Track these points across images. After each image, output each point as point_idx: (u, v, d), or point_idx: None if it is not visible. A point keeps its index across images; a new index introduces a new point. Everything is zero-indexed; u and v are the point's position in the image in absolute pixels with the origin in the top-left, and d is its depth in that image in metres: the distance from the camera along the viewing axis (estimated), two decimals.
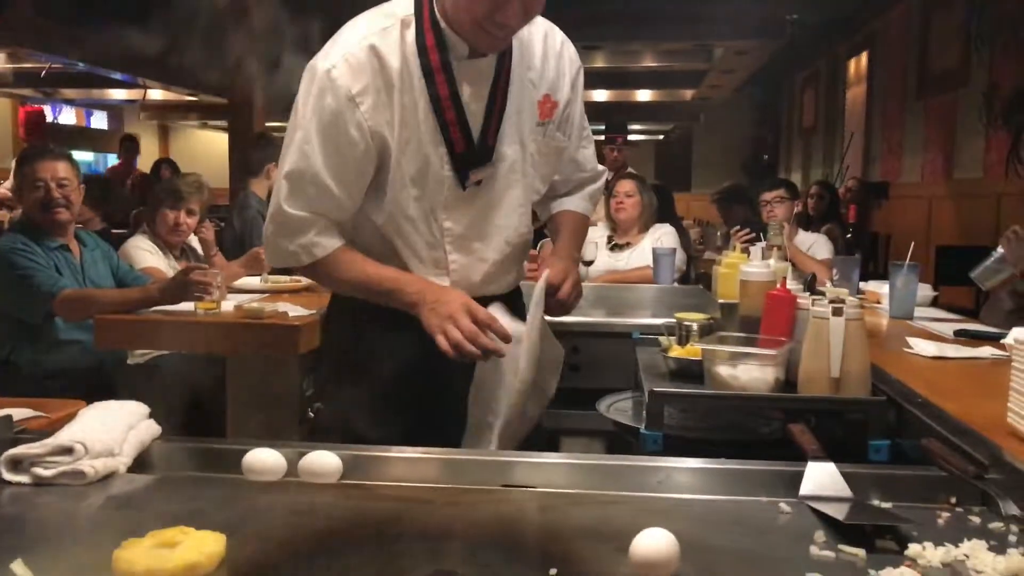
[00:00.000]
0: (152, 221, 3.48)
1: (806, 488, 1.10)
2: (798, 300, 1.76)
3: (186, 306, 2.70)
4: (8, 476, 1.08)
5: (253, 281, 3.45)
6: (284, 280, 3.47)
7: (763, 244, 2.31)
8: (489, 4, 1.38)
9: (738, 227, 4.15)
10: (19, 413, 1.32)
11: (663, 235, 4.07)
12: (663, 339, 2.01)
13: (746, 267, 1.94)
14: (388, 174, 1.51)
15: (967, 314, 3.19)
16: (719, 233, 5.44)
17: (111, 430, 1.14)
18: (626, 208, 4.05)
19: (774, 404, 1.77)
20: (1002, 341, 2.06)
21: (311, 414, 2.70)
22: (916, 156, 6.64)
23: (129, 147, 8.36)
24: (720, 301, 2.09)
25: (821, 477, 1.11)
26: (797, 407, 1.73)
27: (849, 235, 3.29)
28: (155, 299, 2.70)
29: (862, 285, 3.24)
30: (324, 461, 1.15)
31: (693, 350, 1.85)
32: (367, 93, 1.45)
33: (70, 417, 1.20)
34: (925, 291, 2.96)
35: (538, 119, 1.60)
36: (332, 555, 0.92)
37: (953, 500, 1.10)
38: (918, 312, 2.73)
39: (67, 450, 1.09)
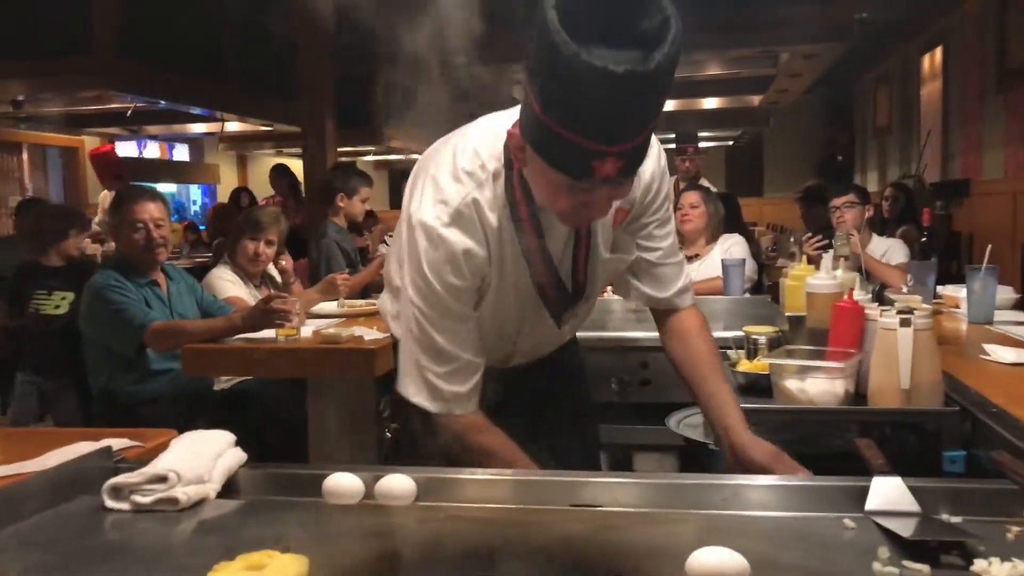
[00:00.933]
0: (233, 252, 3.63)
1: (872, 503, 1.10)
2: (866, 311, 1.76)
3: (267, 333, 2.82)
4: (110, 503, 1.16)
5: (330, 306, 3.56)
6: (360, 304, 3.57)
7: (833, 253, 2.29)
8: (571, 203, 1.28)
9: (810, 235, 4.09)
10: (117, 443, 1.41)
11: (732, 245, 4.04)
12: (732, 353, 2.02)
13: (812, 279, 1.94)
14: (484, 309, 1.50)
15: None
16: (792, 239, 5.37)
17: (201, 458, 1.22)
18: (692, 219, 4.03)
19: (843, 417, 1.76)
20: None
21: (388, 434, 2.78)
22: (997, 151, 6.42)
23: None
24: (788, 314, 2.08)
25: (887, 492, 1.12)
26: (867, 420, 1.72)
27: (924, 238, 3.20)
28: (238, 327, 2.83)
29: (940, 289, 3.16)
30: (399, 484, 1.20)
31: (761, 364, 1.86)
32: (477, 248, 1.42)
33: (164, 446, 1.29)
34: (1006, 294, 2.88)
35: (612, 229, 1.55)
36: (409, 575, 0.97)
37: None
38: (999, 316, 2.66)
39: (162, 478, 1.17)
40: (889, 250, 3.91)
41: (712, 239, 4.09)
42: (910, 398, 1.58)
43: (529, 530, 1.10)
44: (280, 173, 7.61)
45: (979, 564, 0.92)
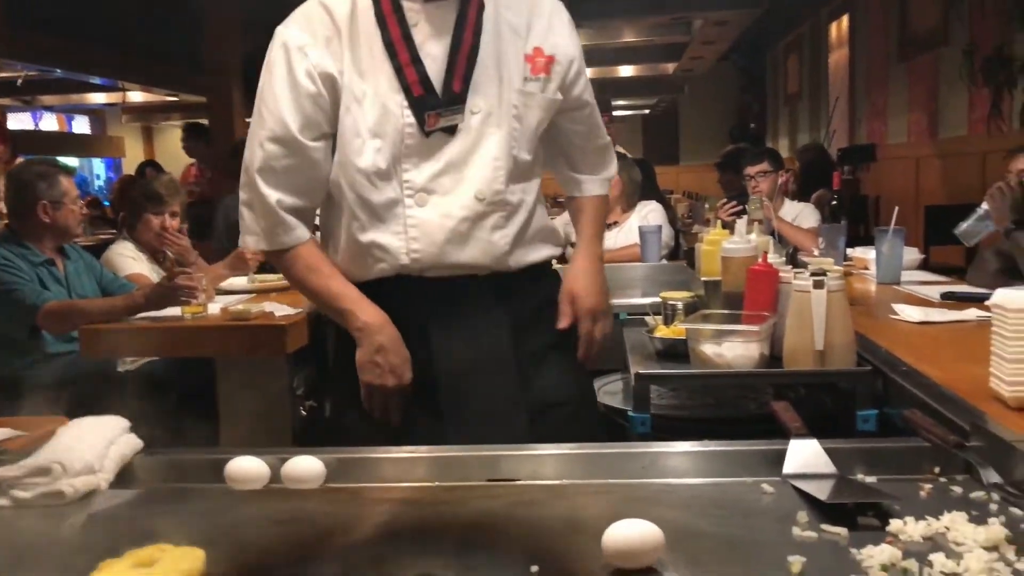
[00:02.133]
0: (134, 227, 3.46)
1: (789, 467, 1.10)
2: (780, 274, 1.76)
3: (173, 311, 2.69)
4: None
5: (240, 282, 3.43)
6: (271, 279, 3.46)
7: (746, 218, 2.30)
8: None
9: (724, 200, 4.13)
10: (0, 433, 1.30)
11: (649, 212, 4.05)
12: (649, 319, 2.01)
13: (727, 243, 1.94)
14: (340, 126, 1.48)
15: (958, 273, 3.19)
16: (707, 206, 5.43)
17: (90, 447, 1.13)
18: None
19: (760, 380, 1.78)
20: (987, 303, 2.06)
21: (303, 412, 2.70)
22: (901, 117, 6.63)
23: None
24: (703, 279, 2.08)
25: (804, 454, 1.11)
26: (783, 382, 1.73)
27: (834, 202, 3.28)
28: (141, 306, 2.69)
29: (850, 251, 3.23)
30: (306, 466, 1.14)
31: (679, 330, 1.85)
32: (315, 43, 1.46)
33: (49, 435, 1.19)
34: (912, 255, 2.96)
35: (528, 73, 1.53)
36: (315, 563, 0.91)
37: (937, 470, 1.09)
38: (906, 276, 2.73)
39: (45, 471, 1.08)
40: (800, 214, 3.98)
41: (629, 206, 4.10)
42: (824, 359, 1.59)
43: (445, 508, 1.06)
44: (194, 134, 6.80)
45: (895, 524, 0.91)
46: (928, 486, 1.05)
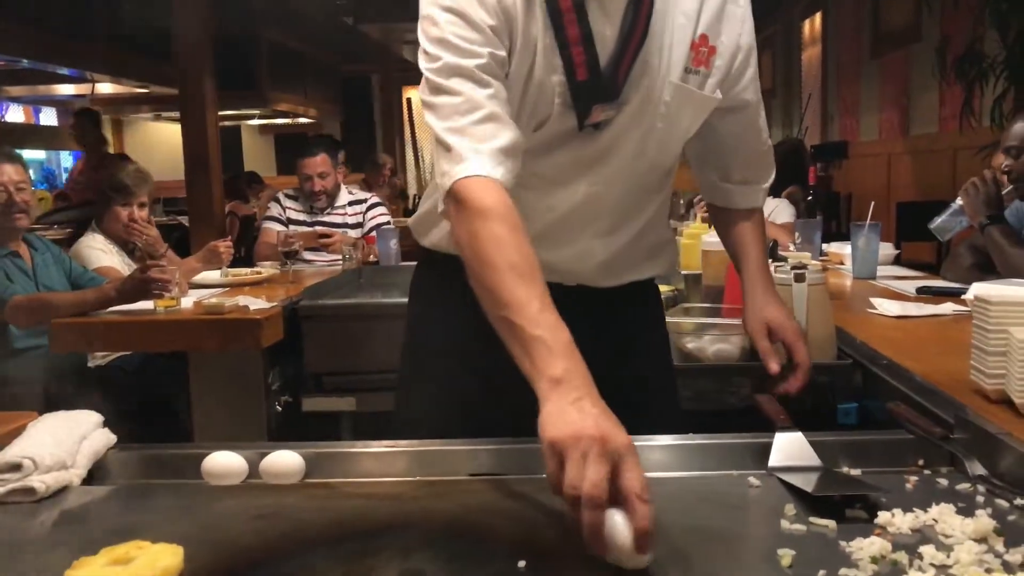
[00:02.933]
0: (101, 219, 3.40)
1: (775, 459, 1.09)
2: None
3: (144, 305, 2.64)
4: None
5: (213, 275, 3.39)
6: (244, 273, 3.42)
7: None
8: None
9: (700, 197, 4.14)
10: None
11: None
12: None
13: (708, 237, 1.94)
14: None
15: (929, 269, 3.23)
16: (682, 202, 5.43)
17: (62, 442, 1.10)
18: None
19: (741, 373, 1.77)
20: (963, 297, 2.07)
21: (279, 408, 2.67)
22: (873, 114, 6.69)
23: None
24: (684, 272, 2.08)
25: (789, 447, 1.11)
26: (764, 375, 1.73)
27: (810, 197, 3.30)
28: (112, 299, 2.64)
29: (825, 247, 3.25)
30: (286, 461, 1.11)
31: None
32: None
33: (20, 430, 1.16)
34: (887, 250, 2.98)
35: (690, 63, 1.29)
36: (295, 559, 0.89)
37: (921, 462, 1.10)
38: (881, 271, 2.75)
39: (15, 466, 1.05)
40: (775, 210, 3.99)
41: None
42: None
43: (427, 503, 1.04)
44: (86, 121, 6.57)
45: (883, 516, 0.91)
46: (914, 478, 1.05)
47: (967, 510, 0.92)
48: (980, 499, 0.97)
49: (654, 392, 1.45)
